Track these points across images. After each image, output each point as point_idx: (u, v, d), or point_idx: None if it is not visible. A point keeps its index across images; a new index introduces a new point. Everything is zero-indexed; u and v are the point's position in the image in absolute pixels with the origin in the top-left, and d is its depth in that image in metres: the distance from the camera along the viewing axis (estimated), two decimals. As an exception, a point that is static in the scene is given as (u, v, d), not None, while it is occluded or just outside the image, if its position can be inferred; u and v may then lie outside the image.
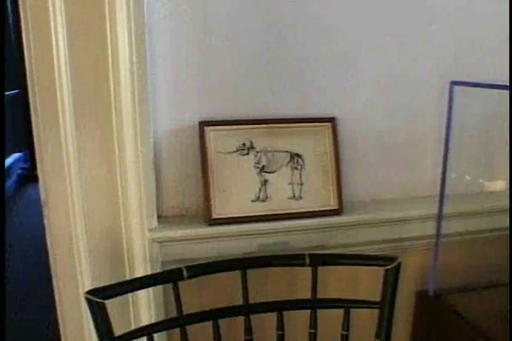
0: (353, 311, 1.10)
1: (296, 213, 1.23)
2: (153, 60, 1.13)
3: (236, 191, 1.20)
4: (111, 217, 1.13)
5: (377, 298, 1.09)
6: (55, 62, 1.02)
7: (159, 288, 1.18)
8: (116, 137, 1.09)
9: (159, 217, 1.20)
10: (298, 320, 1.16)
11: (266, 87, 1.23)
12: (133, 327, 1.10)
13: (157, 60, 1.14)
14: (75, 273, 1.14)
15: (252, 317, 1.10)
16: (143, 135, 1.10)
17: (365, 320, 1.14)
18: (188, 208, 1.25)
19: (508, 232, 1.24)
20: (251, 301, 1.10)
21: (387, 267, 1.08)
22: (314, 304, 1.12)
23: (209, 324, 1.06)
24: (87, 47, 1.03)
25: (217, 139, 1.19)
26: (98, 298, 0.95)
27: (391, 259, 1.09)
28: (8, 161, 4.41)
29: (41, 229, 1.12)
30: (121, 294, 1.00)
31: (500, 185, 1.42)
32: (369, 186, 1.36)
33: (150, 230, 1.16)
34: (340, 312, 1.11)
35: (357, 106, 1.30)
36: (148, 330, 1.02)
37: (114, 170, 1.11)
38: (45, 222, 1.12)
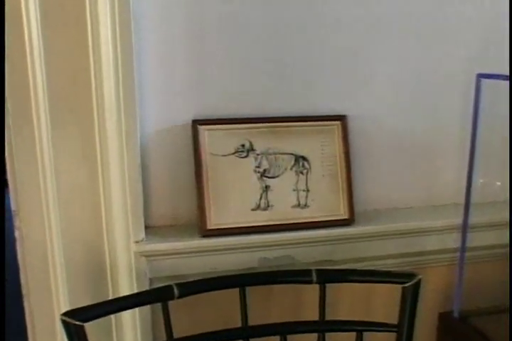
0: (366, 335, 1.10)
1: (301, 223, 1.22)
2: (141, 51, 1.13)
3: (234, 198, 1.20)
4: (92, 227, 1.12)
5: (394, 320, 1.09)
6: (28, 52, 1.01)
7: (146, 308, 1.17)
8: (98, 138, 1.09)
9: (147, 227, 1.19)
10: (304, 345, 1.16)
11: (267, 81, 1.23)
12: (116, 354, 1.10)
13: (145, 50, 1.14)
14: (49, 291, 1.13)
15: (252, 341, 1.11)
16: (128, 135, 1.10)
17: (381, 344, 1.16)
18: (179, 218, 1.25)
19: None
20: (251, 323, 1.09)
21: (405, 285, 1.07)
22: (322, 326, 1.11)
23: (203, 349, 1.06)
24: (64, 36, 1.02)
25: (212, 140, 1.19)
26: (76, 321, 0.94)
27: (409, 276, 1.09)
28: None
29: (11, 241, 1.12)
30: (102, 316, 0.99)
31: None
32: (384, 193, 1.36)
33: (136, 242, 1.16)
34: (352, 335, 1.10)
35: (371, 102, 1.30)
36: (134, 357, 1.02)
37: (96, 175, 1.10)
38: (16, 234, 1.11)
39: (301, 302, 1.29)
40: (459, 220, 1.30)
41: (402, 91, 1.31)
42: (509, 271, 1.23)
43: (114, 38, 1.05)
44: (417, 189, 1.38)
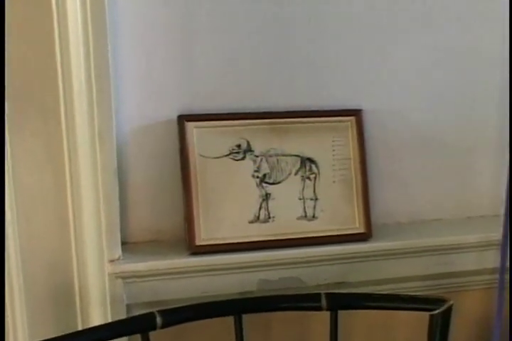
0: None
1: (308, 238, 1.22)
2: (117, 33, 1.13)
3: (228, 209, 1.20)
4: (57, 244, 1.11)
5: (420, 355, 1.08)
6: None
7: (123, 340, 1.13)
8: (66, 137, 1.08)
9: (124, 243, 1.19)
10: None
11: (267, 69, 1.23)
12: None
13: (122, 32, 1.14)
14: (4, 321, 1.10)
15: (250, 380, 1.10)
16: (102, 134, 1.10)
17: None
18: (163, 232, 1.25)
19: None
20: (248, 358, 1.11)
21: (433, 312, 1.05)
22: (334, 362, 1.11)
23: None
24: (23, 14, 1.02)
25: (202, 139, 1.19)
26: (36, 356, 0.94)
27: (439, 301, 1.07)
28: None
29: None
30: (69, 350, 1.01)
31: None
32: (407, 202, 1.36)
33: (111, 262, 1.15)
34: (370, 373, 1.11)
35: (392, 93, 1.30)
36: None
37: (63, 181, 1.10)
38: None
39: (308, 333, 1.29)
40: (498, 235, 1.29)
41: (429, 80, 1.31)
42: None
43: (84, 16, 1.04)
44: (448, 197, 1.38)
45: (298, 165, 1.22)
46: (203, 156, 1.18)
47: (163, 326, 1.02)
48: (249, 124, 1.20)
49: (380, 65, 1.28)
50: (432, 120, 1.33)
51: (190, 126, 1.18)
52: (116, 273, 1.14)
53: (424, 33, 1.28)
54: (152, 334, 1.03)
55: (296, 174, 1.22)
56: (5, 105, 1.03)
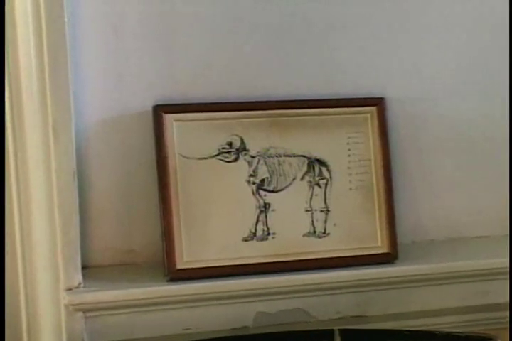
0: None
1: (317, 260, 1.21)
2: (77, 6, 1.14)
3: (217, 223, 1.19)
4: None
5: None
6: None
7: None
8: (12, 132, 1.08)
9: (86, 267, 1.18)
10: None
11: (266, 47, 1.25)
12: None
13: (84, 4, 1.16)
14: None
15: None
16: (58, 129, 1.09)
17: None
18: (135, 252, 1.25)
19: None
20: None
21: None
22: None
23: None
24: None
25: (184, 135, 1.18)
26: None
27: (483, 340, 1.06)
28: None
29: None
30: None
31: None
32: (441, 215, 1.36)
33: (69, 290, 1.12)
34: None
35: (421, 78, 1.32)
36: None
37: (9, 189, 1.09)
38: None
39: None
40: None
41: (467, 61, 1.34)
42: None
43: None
44: (492, 209, 1.38)
45: (304, 168, 1.22)
46: (185, 157, 1.17)
47: (135, 372, 1.00)
48: (243, 117, 1.20)
49: (407, 44, 1.31)
50: (470, 111, 1.35)
51: (169, 119, 1.17)
52: (74, 305, 1.11)
53: (466, 8, 1.31)
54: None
55: (302, 179, 1.22)
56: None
